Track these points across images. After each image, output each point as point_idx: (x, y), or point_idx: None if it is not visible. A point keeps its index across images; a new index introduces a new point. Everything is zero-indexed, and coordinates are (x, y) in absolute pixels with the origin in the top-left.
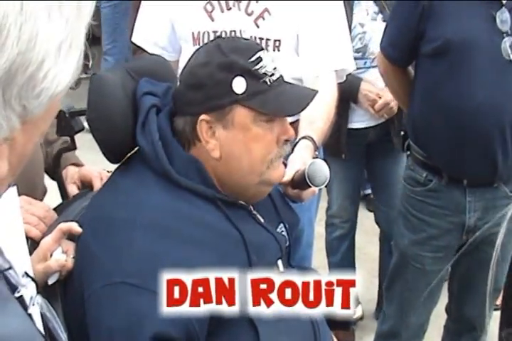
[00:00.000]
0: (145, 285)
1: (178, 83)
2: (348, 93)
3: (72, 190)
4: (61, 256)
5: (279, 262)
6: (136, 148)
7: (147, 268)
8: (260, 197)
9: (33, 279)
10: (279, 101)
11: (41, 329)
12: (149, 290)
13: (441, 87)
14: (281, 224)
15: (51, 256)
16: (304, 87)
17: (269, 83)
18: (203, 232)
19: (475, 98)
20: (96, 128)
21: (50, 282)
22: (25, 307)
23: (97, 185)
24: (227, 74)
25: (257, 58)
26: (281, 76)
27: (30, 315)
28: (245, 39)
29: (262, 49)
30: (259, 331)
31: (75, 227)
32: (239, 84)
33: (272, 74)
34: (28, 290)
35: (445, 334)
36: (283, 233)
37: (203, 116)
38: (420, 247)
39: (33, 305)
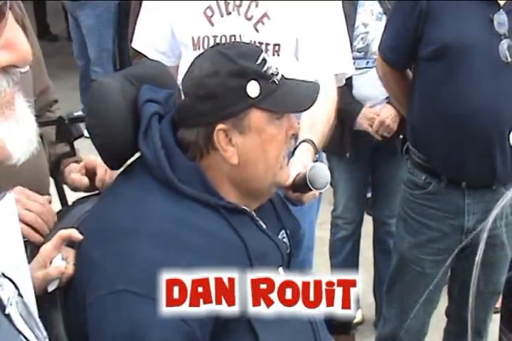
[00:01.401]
0: (148, 294)
1: (183, 96)
2: (348, 115)
3: (75, 177)
4: (61, 263)
5: (280, 269)
6: (136, 155)
7: (150, 276)
8: (267, 198)
9: (10, 280)
10: (290, 98)
11: (23, 328)
12: (152, 298)
13: (439, 89)
14: (283, 231)
15: (51, 263)
16: (305, 81)
17: (277, 82)
18: (205, 240)
19: (473, 100)
20: (95, 134)
21: (50, 289)
22: (2, 308)
23: (101, 172)
24: (241, 80)
25: (262, 60)
26: (283, 74)
27: (8, 316)
28: (244, 43)
29: (262, 50)
30: (260, 337)
31: (74, 234)
32: (253, 88)
33: (277, 74)
34: (5, 291)
35: (446, 337)
36: (284, 240)
37: (219, 126)
38: (420, 250)
39: (11, 304)
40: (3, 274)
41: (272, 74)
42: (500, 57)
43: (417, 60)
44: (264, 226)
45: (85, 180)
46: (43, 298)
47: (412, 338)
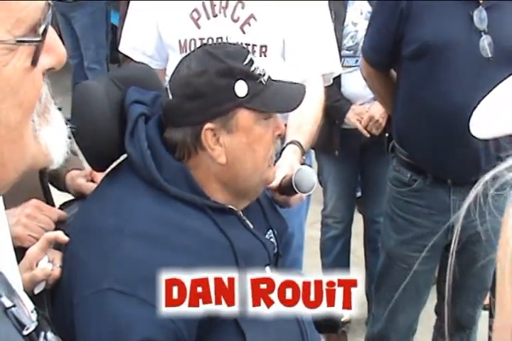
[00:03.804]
0: (133, 292)
1: (170, 96)
2: (337, 113)
3: (82, 182)
4: (47, 265)
5: (267, 268)
6: (123, 157)
7: (135, 275)
8: (255, 197)
9: (43, 316)
10: (277, 98)
11: None
12: (137, 297)
13: (422, 88)
14: (270, 231)
15: (37, 265)
16: (292, 82)
17: (264, 82)
18: (191, 239)
19: (455, 97)
20: (80, 137)
21: (37, 291)
22: None
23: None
24: (229, 80)
25: (250, 60)
26: (269, 75)
27: None
28: (231, 44)
29: (249, 51)
30: (247, 337)
31: (60, 236)
32: (241, 88)
33: (264, 74)
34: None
35: (435, 334)
36: (271, 239)
37: (207, 125)
38: (407, 247)
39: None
40: (35, 309)
41: (260, 74)
42: (481, 54)
43: (400, 60)
44: (251, 225)
45: (94, 186)
46: (30, 300)
47: (401, 336)
